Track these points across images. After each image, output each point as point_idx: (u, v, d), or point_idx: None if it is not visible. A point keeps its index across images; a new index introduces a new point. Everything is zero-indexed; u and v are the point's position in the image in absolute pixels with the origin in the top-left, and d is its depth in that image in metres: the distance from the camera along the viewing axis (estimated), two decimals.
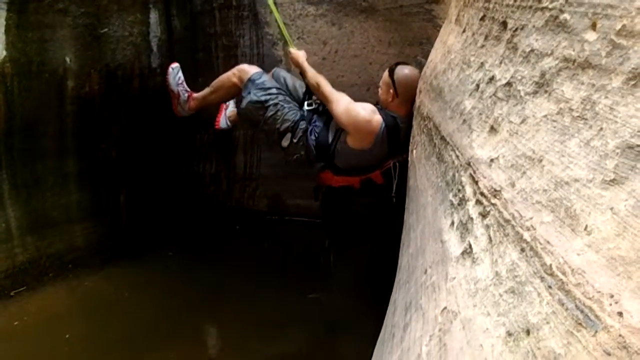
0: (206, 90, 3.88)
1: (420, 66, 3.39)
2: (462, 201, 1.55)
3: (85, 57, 3.61)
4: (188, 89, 3.96)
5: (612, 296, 0.89)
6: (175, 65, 3.95)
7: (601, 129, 1.08)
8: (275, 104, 3.54)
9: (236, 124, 4.13)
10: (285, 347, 3.34)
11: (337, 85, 4.44)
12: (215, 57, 4.34)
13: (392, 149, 3.26)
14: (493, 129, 1.52)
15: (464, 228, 1.47)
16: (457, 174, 1.67)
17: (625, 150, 0.99)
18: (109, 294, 3.61)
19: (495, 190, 1.36)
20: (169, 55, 4.04)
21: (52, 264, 3.68)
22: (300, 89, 3.77)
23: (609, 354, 0.85)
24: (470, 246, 1.38)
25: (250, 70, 3.69)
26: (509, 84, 1.51)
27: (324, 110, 3.51)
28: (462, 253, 1.41)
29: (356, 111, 3.25)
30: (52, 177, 3.68)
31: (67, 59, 3.53)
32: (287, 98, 3.63)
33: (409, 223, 2.37)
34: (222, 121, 4.09)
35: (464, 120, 1.76)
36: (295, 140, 3.50)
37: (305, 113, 3.58)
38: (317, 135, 3.47)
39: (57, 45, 3.46)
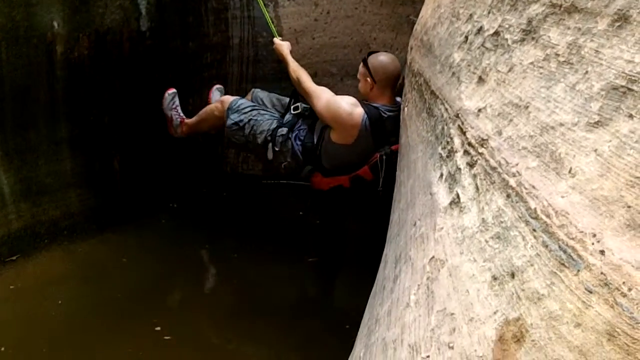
0: (194, 119, 3.94)
1: (413, 25, 3.36)
2: (451, 153, 1.55)
3: (73, 22, 3.55)
4: (181, 115, 4.00)
5: (594, 235, 0.89)
6: (172, 91, 3.99)
7: (586, 72, 1.07)
8: (249, 120, 3.58)
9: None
10: (281, 307, 3.37)
11: (330, 47, 4.42)
12: (205, 20, 4.27)
13: (378, 141, 3.24)
14: (481, 80, 1.52)
15: (452, 179, 1.47)
16: (445, 127, 1.67)
17: (609, 92, 0.99)
18: (104, 260, 3.61)
19: (483, 140, 1.36)
20: (159, 19, 3.98)
21: (47, 231, 3.66)
22: (278, 102, 3.80)
23: (590, 292, 0.86)
24: (458, 196, 1.39)
25: (228, 99, 3.74)
26: (496, 33, 1.50)
27: (310, 114, 3.48)
28: (450, 203, 1.42)
29: (337, 104, 3.24)
30: (45, 143, 3.64)
31: (55, 24, 3.48)
32: (262, 111, 3.65)
33: (400, 179, 2.37)
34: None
35: (453, 73, 1.75)
36: (277, 149, 3.49)
37: (290, 118, 3.56)
38: (302, 138, 3.46)
39: (45, 9, 3.40)
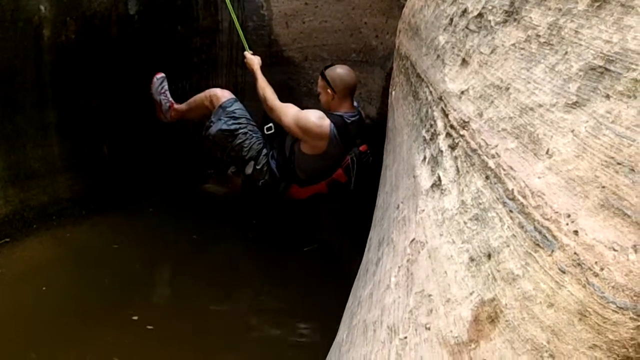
0: (184, 106, 3.97)
1: (402, 9, 3.34)
2: (434, 136, 1.55)
3: (60, 5, 3.51)
4: (170, 99, 4.00)
5: (569, 216, 0.89)
6: (161, 75, 3.98)
7: (566, 53, 1.07)
8: (245, 133, 3.64)
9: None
10: (272, 298, 3.37)
11: (321, 31, 4.40)
12: (194, 4, 4.24)
13: (347, 145, 3.41)
14: (464, 62, 1.51)
15: (434, 161, 1.47)
16: (429, 110, 1.66)
17: (587, 72, 0.98)
18: (93, 246, 3.59)
19: (464, 122, 1.35)
20: (147, 2, 3.94)
21: (36, 216, 3.64)
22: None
23: (563, 272, 0.86)
24: (439, 178, 1.38)
25: (222, 96, 3.74)
26: (480, 15, 1.49)
27: (279, 131, 3.61)
28: (432, 186, 1.42)
29: (306, 118, 3.40)
30: (33, 128, 3.61)
31: (42, 7, 3.44)
32: (255, 128, 3.71)
33: (385, 163, 2.37)
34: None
35: (438, 56, 1.74)
36: (258, 167, 3.60)
37: (266, 138, 3.68)
38: (275, 156, 3.60)
39: None
